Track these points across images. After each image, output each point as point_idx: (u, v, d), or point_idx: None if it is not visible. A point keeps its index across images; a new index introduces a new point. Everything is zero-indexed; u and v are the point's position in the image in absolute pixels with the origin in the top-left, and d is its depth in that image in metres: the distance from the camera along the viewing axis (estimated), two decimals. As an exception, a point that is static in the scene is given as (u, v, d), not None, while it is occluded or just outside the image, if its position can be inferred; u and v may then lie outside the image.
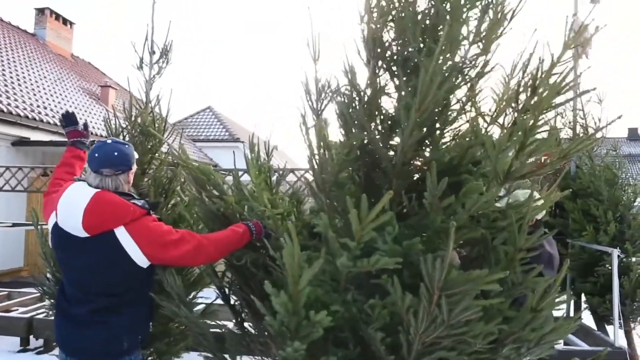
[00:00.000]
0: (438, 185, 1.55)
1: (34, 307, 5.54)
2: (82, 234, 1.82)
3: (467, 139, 1.87)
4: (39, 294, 5.44)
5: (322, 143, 2.01)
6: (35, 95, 11.14)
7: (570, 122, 5.33)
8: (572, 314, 4.84)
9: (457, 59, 1.87)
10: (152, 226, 1.91)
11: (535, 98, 1.59)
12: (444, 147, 1.92)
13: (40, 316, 5.04)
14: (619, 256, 4.07)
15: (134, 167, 2.03)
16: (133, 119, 3.08)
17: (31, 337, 5.07)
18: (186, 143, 17.55)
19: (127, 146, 2.02)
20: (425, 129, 1.84)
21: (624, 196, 4.90)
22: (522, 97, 1.79)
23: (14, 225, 6.16)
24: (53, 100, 11.81)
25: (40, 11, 15.92)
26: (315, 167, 2.00)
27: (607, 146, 5.49)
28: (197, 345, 2.24)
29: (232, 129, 20.70)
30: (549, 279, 1.60)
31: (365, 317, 1.65)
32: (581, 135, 5.10)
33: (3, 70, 10.95)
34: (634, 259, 4.59)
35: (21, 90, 10.65)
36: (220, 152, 18.48)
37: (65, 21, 16.92)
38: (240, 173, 2.30)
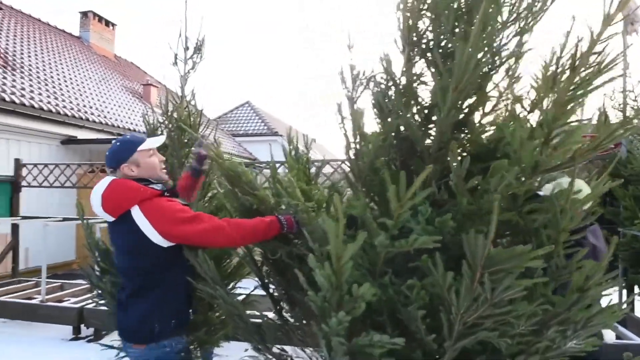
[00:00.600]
0: (461, 164, 1.50)
1: (85, 298, 5.78)
2: (110, 217, 1.99)
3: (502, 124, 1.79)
4: (89, 285, 5.69)
5: (357, 131, 1.99)
6: (81, 95, 11.60)
7: (620, 105, 5.05)
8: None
9: (494, 43, 1.80)
10: (165, 205, 1.97)
11: (576, 78, 1.49)
12: (480, 131, 1.86)
13: (90, 306, 5.26)
14: (675, 245, 3.83)
15: (127, 162, 2.05)
16: (169, 114, 3.14)
17: (82, 326, 5.31)
18: (226, 138, 17.85)
19: (117, 143, 2.09)
20: (462, 114, 1.78)
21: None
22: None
23: (65, 219, 6.43)
24: (98, 100, 12.26)
25: (84, 14, 16.53)
26: (352, 156, 1.98)
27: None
28: (236, 332, 2.27)
29: (271, 123, 20.89)
30: (595, 264, 1.52)
31: (404, 299, 1.63)
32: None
33: (51, 72, 11.46)
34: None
35: (68, 92, 11.11)
36: (259, 146, 18.72)
37: (107, 23, 17.50)
38: (277, 166, 2.29)
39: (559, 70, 1.69)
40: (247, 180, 2.31)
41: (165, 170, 2.21)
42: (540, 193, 1.72)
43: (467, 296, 1.38)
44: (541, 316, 1.47)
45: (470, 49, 1.49)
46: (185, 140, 3.13)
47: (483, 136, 1.81)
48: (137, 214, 1.94)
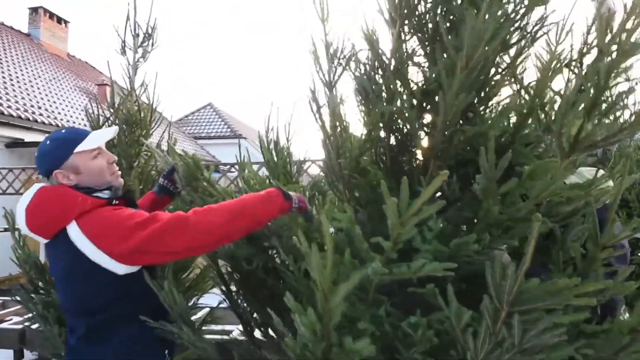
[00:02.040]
0: (497, 164, 1.18)
1: (30, 317, 5.22)
2: (41, 238, 1.48)
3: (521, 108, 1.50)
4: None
5: (337, 122, 1.66)
6: (29, 95, 10.82)
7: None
8: None
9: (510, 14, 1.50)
10: (109, 215, 1.44)
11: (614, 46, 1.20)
12: (489, 121, 1.55)
13: (34, 326, 4.71)
14: None
15: (61, 168, 1.54)
16: (116, 107, 2.72)
17: (25, 350, 4.76)
18: (187, 140, 17.22)
19: (47, 142, 1.59)
20: (471, 97, 1.47)
21: (657, 180, 4.50)
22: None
23: (6, 230, 5.82)
24: (48, 100, 11.49)
25: (34, 10, 15.57)
26: (331, 151, 1.65)
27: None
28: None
29: (234, 125, 20.41)
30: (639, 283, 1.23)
31: (403, 337, 1.29)
32: None
33: (-5, 70, 10.64)
34: None
35: (14, 91, 10.33)
36: (222, 149, 18.19)
37: (60, 20, 16.56)
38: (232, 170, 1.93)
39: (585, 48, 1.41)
40: (205, 178, 1.95)
41: (117, 173, 1.67)
42: (566, 181, 1.43)
43: (488, 340, 1.06)
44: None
45: (485, 16, 1.18)
46: (136, 138, 2.71)
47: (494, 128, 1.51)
48: (74, 232, 1.43)
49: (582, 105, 1.27)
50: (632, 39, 1.16)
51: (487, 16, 1.21)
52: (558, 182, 1.20)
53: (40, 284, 2.97)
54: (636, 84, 1.26)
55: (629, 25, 1.19)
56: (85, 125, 11.37)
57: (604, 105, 1.26)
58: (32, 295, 2.93)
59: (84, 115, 12.34)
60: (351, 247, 1.25)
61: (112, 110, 2.77)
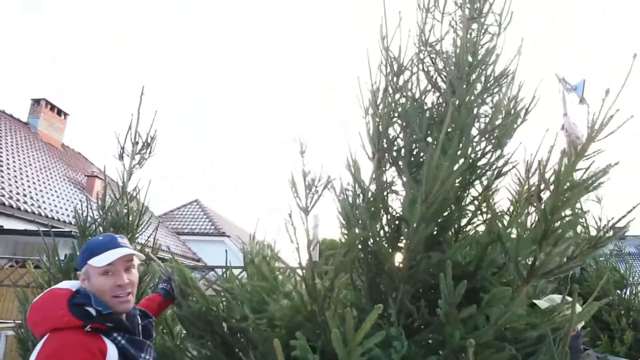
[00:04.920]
0: (455, 289, 1.26)
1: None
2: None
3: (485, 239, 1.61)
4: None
5: (311, 244, 1.74)
6: (16, 182, 10.87)
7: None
8: None
9: (471, 154, 1.68)
10: (64, 352, 1.41)
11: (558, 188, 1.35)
12: (458, 250, 1.65)
13: None
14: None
15: (81, 271, 1.60)
16: (105, 210, 2.79)
17: None
18: (169, 235, 17.05)
19: (87, 242, 1.68)
20: (435, 228, 1.59)
21: (635, 300, 4.57)
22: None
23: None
24: (35, 189, 11.52)
25: (36, 101, 16.19)
26: (304, 271, 1.71)
27: (610, 246, 5.26)
28: None
29: (218, 223, 20.38)
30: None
31: None
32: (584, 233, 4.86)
33: (-14, 156, 10.79)
34: (653, 370, 4.14)
35: (2, 177, 10.39)
36: (204, 246, 17.98)
37: (60, 112, 17.17)
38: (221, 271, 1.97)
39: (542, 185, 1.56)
40: (196, 285, 2.00)
41: (126, 297, 1.62)
42: (537, 302, 1.49)
43: None
44: None
45: (440, 157, 1.33)
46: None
47: (459, 255, 1.61)
48: (40, 343, 1.45)
49: (535, 237, 1.38)
50: (569, 180, 1.30)
51: (441, 159, 1.35)
52: (514, 308, 1.27)
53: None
54: (579, 217, 1.39)
55: (571, 166, 1.35)
56: (70, 216, 11.29)
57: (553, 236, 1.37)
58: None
59: (69, 204, 12.32)
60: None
61: (101, 212, 2.83)
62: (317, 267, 1.62)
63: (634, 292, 4.69)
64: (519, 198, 1.91)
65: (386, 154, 1.74)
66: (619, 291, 4.55)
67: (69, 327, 1.47)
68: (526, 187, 1.91)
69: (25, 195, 10.53)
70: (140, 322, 1.63)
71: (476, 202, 1.67)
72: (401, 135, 1.76)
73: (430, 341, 1.57)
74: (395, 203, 1.77)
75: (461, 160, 1.54)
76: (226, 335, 1.79)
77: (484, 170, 1.62)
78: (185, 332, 1.98)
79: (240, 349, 1.74)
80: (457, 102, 1.54)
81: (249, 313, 1.70)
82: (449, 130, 1.56)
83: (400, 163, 1.69)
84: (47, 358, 1.40)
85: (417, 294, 1.65)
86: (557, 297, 2.14)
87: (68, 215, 11.46)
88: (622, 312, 4.44)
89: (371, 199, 1.70)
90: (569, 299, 1.98)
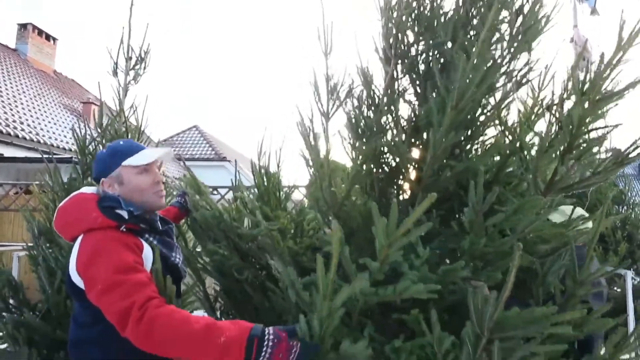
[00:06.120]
0: (485, 198, 1.24)
1: (-2, 337, 5.03)
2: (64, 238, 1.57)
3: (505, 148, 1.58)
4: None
5: (331, 151, 1.72)
6: (12, 110, 10.69)
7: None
8: None
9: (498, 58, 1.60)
10: (104, 246, 1.39)
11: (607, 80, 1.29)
12: (474, 159, 1.63)
13: (3, 346, 4.56)
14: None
15: (108, 178, 1.57)
16: (104, 128, 2.74)
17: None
18: (170, 162, 17.10)
19: (104, 151, 1.65)
20: (460, 135, 1.55)
21: (632, 214, 4.67)
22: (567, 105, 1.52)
23: (-20, 246, 5.68)
24: (31, 116, 11.37)
25: (23, 26, 15.52)
26: (324, 180, 1.70)
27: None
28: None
29: (219, 148, 20.36)
30: (616, 320, 1.28)
31: None
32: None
33: (-22, 83, 10.53)
34: (644, 281, 4.33)
35: (-3, 105, 10.21)
36: (205, 172, 18.08)
37: (48, 37, 16.53)
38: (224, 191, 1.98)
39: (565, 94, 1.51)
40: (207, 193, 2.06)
41: (164, 192, 1.65)
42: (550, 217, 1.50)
43: None
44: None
45: (475, 60, 1.27)
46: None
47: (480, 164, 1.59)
48: (77, 245, 1.46)
49: (557, 149, 1.35)
50: (603, 90, 1.25)
51: (475, 61, 1.29)
52: (542, 219, 1.27)
53: (12, 302, 2.88)
54: (607, 132, 1.35)
55: (600, 76, 1.29)
56: (69, 143, 11.23)
57: (578, 150, 1.34)
58: (3, 314, 2.85)
59: (66, 132, 12.22)
60: (339, 268, 1.28)
61: (99, 130, 2.78)
62: (332, 177, 1.61)
63: (631, 207, 4.80)
64: (533, 109, 1.85)
65: (400, 61, 1.66)
66: (617, 206, 4.63)
67: (104, 227, 1.46)
68: (541, 98, 1.84)
69: (22, 123, 10.42)
70: (161, 227, 1.62)
71: (495, 112, 1.62)
72: (421, 40, 1.66)
73: (444, 250, 1.58)
74: (408, 112, 1.72)
75: (490, 65, 1.46)
76: (238, 242, 1.82)
77: (509, 77, 1.55)
78: (198, 241, 2.01)
79: (253, 254, 1.78)
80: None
81: (261, 219, 1.71)
82: (475, 33, 1.47)
83: (417, 69, 1.62)
84: (92, 255, 1.39)
85: (434, 204, 1.64)
86: (567, 209, 2.16)
87: (67, 142, 11.41)
88: (618, 226, 4.55)
89: (385, 107, 1.65)
90: (583, 212, 1.99)
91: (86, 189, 1.63)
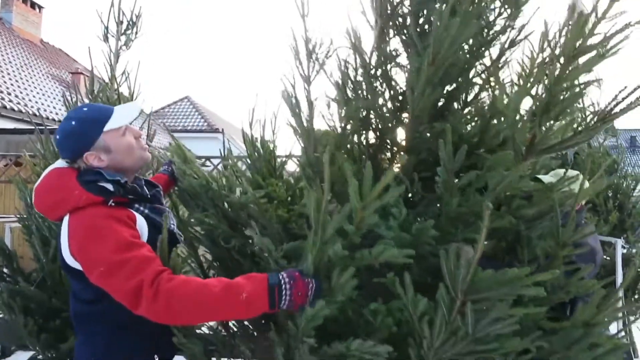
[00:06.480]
0: (455, 156, 1.23)
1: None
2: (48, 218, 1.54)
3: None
4: None
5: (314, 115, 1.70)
6: (-1, 80, 10.50)
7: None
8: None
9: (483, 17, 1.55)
10: (95, 225, 1.33)
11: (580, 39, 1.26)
12: (462, 120, 1.61)
13: (-1, 316, 4.60)
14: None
15: (93, 150, 1.44)
16: (95, 95, 2.70)
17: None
18: (162, 133, 16.96)
19: (73, 123, 1.46)
20: (442, 97, 1.52)
21: (623, 184, 4.71)
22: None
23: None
24: (19, 87, 11.18)
25: (7, -7, 15.09)
26: (308, 144, 1.69)
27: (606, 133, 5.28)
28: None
29: (211, 120, 20.19)
30: (600, 283, 1.29)
31: (365, 325, 1.33)
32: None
33: (-37, 53, 10.29)
34: (634, 250, 4.39)
35: (-17, 75, 10.02)
36: (198, 143, 17.98)
37: (33, 5, 16.07)
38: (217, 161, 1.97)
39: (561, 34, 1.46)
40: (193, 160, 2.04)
41: (145, 146, 1.59)
42: (541, 177, 1.48)
43: (443, 328, 1.11)
44: (535, 354, 1.21)
45: (451, 17, 1.22)
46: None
47: (463, 127, 1.57)
48: (65, 227, 1.40)
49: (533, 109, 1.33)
50: (577, 44, 1.22)
51: (456, 17, 1.25)
52: (515, 175, 1.25)
53: (6, 271, 2.89)
54: (583, 88, 1.32)
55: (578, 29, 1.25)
56: (59, 114, 11.07)
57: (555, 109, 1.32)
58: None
59: (56, 102, 12.05)
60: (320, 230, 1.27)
61: (91, 97, 2.73)
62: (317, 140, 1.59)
63: (623, 176, 4.83)
64: (530, 71, 1.80)
65: (390, 22, 1.62)
66: (609, 175, 4.66)
67: (90, 204, 1.39)
68: (539, 59, 1.80)
69: (9, 94, 10.25)
70: (148, 192, 1.55)
71: (485, 74, 1.59)
72: (406, 2, 1.62)
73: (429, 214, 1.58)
74: (399, 77, 1.70)
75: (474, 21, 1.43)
76: (227, 210, 1.81)
77: (497, 37, 1.51)
78: (187, 210, 2.00)
79: (243, 223, 1.77)
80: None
81: (247, 187, 1.70)
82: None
83: (405, 32, 1.58)
84: (85, 236, 1.34)
85: (418, 167, 1.62)
86: (562, 171, 2.16)
87: (57, 114, 11.26)
88: (610, 194, 4.59)
89: (372, 70, 1.62)
90: (574, 172, 1.98)
91: (60, 162, 1.52)
